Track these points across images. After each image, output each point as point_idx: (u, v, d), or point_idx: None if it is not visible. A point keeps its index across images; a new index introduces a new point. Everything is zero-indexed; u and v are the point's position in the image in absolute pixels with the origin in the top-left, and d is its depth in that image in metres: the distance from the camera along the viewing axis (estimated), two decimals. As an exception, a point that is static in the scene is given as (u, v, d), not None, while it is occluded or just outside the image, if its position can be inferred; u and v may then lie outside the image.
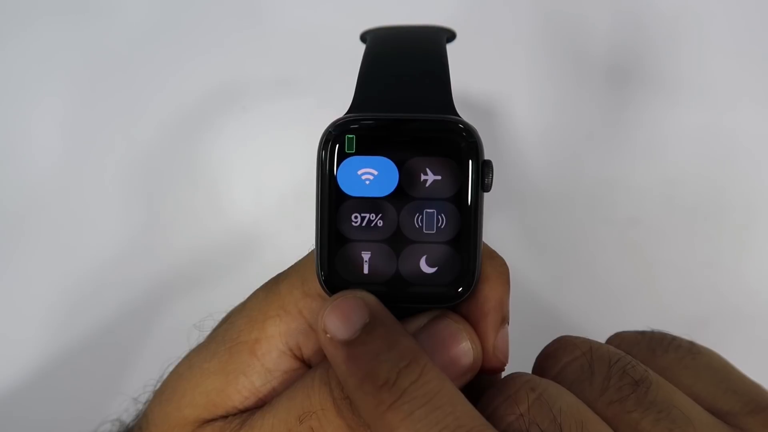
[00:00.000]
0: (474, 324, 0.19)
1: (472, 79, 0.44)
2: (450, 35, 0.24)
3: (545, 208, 0.44)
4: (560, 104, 0.45)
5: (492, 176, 0.19)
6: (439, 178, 0.19)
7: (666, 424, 0.18)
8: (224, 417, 0.21)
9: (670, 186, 0.44)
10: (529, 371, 0.21)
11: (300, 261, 0.22)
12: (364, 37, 0.24)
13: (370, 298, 0.19)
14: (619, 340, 0.23)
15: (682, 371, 0.21)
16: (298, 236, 0.43)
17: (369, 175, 0.19)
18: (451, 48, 0.23)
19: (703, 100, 0.44)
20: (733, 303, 0.43)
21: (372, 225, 0.19)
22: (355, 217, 0.19)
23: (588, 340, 0.21)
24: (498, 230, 0.44)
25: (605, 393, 0.19)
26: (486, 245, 0.20)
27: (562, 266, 0.44)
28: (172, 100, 0.45)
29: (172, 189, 0.44)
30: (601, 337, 0.23)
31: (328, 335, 0.18)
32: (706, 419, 0.19)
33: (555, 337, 0.22)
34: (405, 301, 0.19)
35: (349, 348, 0.18)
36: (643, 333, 0.23)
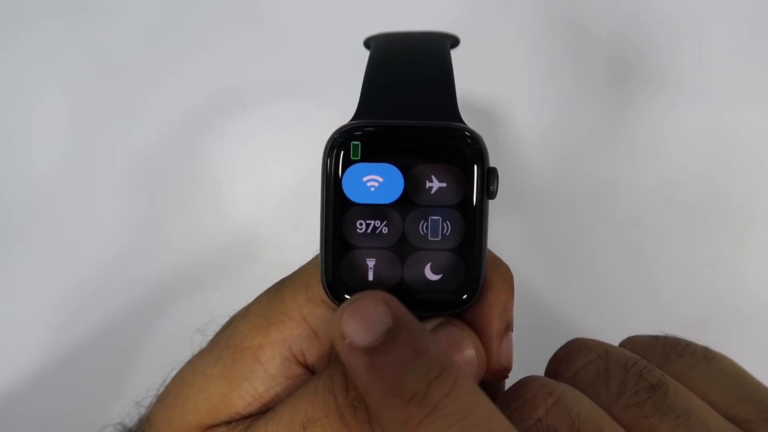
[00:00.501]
0: (478, 331, 0.19)
1: (473, 81, 0.44)
2: (454, 41, 0.23)
3: (546, 209, 0.44)
4: (561, 105, 0.44)
5: (497, 183, 0.19)
6: (444, 185, 0.18)
7: (684, 429, 0.18)
8: (227, 423, 0.21)
9: (671, 186, 0.44)
10: (529, 371, 0.21)
11: (304, 266, 0.22)
12: (367, 43, 0.23)
13: (392, 300, 0.17)
14: (632, 344, 0.22)
15: (697, 377, 0.20)
16: (298, 237, 0.43)
17: (374, 182, 0.19)
18: (453, 51, 0.23)
19: (703, 100, 0.44)
20: (733, 303, 0.43)
21: (377, 232, 0.19)
22: (360, 224, 0.19)
23: (603, 343, 0.21)
24: (498, 231, 0.44)
25: (622, 397, 0.19)
26: (491, 252, 0.20)
27: (562, 266, 0.44)
28: (173, 101, 0.44)
29: (173, 190, 0.44)
30: (603, 338, 0.23)
31: (346, 341, 0.16)
32: (724, 426, 0.19)
33: (555, 338, 0.21)
34: (409, 308, 0.19)
35: (372, 356, 0.16)
36: (656, 337, 0.22)
